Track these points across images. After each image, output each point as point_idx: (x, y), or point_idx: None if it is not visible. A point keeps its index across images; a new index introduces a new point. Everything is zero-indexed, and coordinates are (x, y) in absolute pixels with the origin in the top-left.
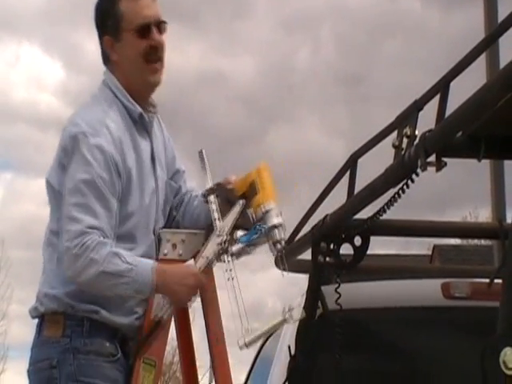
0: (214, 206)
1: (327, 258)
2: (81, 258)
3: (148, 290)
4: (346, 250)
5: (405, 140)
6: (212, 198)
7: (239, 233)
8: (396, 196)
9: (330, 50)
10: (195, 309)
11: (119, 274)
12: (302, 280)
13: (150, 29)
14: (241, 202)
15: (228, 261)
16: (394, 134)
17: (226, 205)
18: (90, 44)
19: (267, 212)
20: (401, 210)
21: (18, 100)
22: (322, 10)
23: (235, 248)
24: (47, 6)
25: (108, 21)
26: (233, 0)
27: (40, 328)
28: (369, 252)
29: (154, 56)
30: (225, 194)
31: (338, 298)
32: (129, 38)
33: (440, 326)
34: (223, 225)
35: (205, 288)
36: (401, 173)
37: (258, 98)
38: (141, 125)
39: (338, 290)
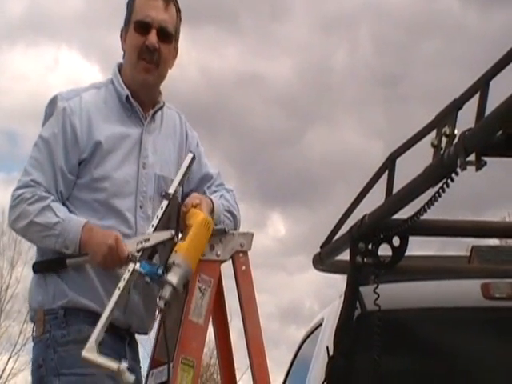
0: (159, 213)
1: (365, 259)
2: (16, 208)
3: (73, 246)
4: (384, 250)
5: (444, 139)
6: (164, 203)
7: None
8: (436, 195)
9: (368, 51)
10: (233, 309)
11: (48, 226)
12: (339, 281)
13: (149, 29)
14: (172, 232)
15: (128, 270)
16: (433, 133)
17: (167, 219)
18: None
19: (175, 266)
20: (438, 209)
21: None
22: (359, 11)
23: (138, 266)
24: (85, 10)
25: (126, 13)
26: (270, 2)
27: (32, 331)
28: (406, 253)
29: (146, 56)
30: (173, 210)
31: (377, 299)
32: (131, 30)
33: (480, 327)
34: (149, 237)
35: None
36: (440, 172)
37: (295, 99)
38: (132, 111)
39: (377, 290)
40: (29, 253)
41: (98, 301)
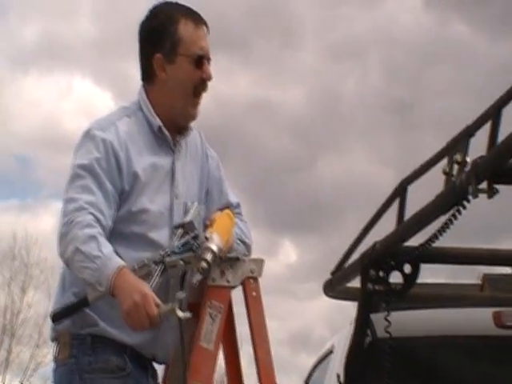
0: (176, 238)
1: (376, 286)
2: (68, 235)
3: (105, 285)
4: (395, 277)
5: (455, 166)
6: (179, 231)
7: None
8: (448, 222)
9: (378, 78)
10: (243, 336)
11: (89, 258)
12: (350, 307)
13: (204, 61)
14: (196, 231)
15: (156, 268)
16: (445, 160)
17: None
18: (139, 75)
19: (208, 239)
20: (449, 237)
21: (70, 130)
22: (369, 38)
23: (169, 259)
24: (98, 37)
25: (164, 40)
26: (281, 29)
27: (55, 352)
28: (417, 281)
29: (202, 89)
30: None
31: (388, 326)
32: (183, 64)
33: (491, 355)
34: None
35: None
36: (452, 199)
37: (306, 126)
38: (163, 140)
39: (388, 317)
40: (40, 277)
41: (129, 332)
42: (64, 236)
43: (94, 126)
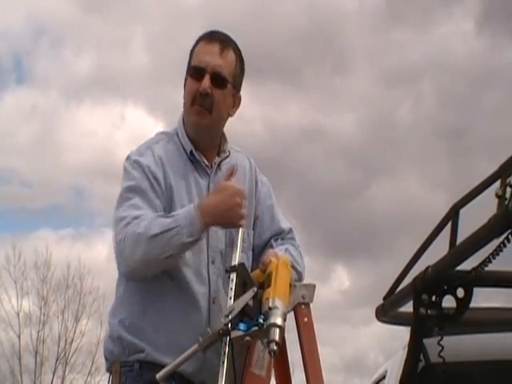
0: (232, 285)
1: (429, 311)
2: (127, 244)
3: (199, 230)
4: (448, 302)
5: (508, 189)
6: (233, 276)
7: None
8: (501, 245)
9: (431, 104)
10: (295, 362)
11: (166, 229)
12: (403, 332)
13: (203, 74)
14: (254, 289)
15: (225, 344)
16: (497, 183)
17: (241, 286)
18: None
19: (273, 309)
20: (503, 260)
21: (123, 159)
22: (421, 64)
23: (234, 334)
24: (151, 67)
25: (188, 61)
26: (333, 57)
27: (109, 381)
28: (471, 305)
29: (198, 101)
30: (244, 276)
31: (441, 351)
32: (188, 78)
33: None
34: (233, 306)
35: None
36: (505, 223)
37: (358, 153)
38: (198, 164)
39: (441, 342)
40: (93, 306)
41: (176, 357)
42: (124, 247)
43: (131, 154)
